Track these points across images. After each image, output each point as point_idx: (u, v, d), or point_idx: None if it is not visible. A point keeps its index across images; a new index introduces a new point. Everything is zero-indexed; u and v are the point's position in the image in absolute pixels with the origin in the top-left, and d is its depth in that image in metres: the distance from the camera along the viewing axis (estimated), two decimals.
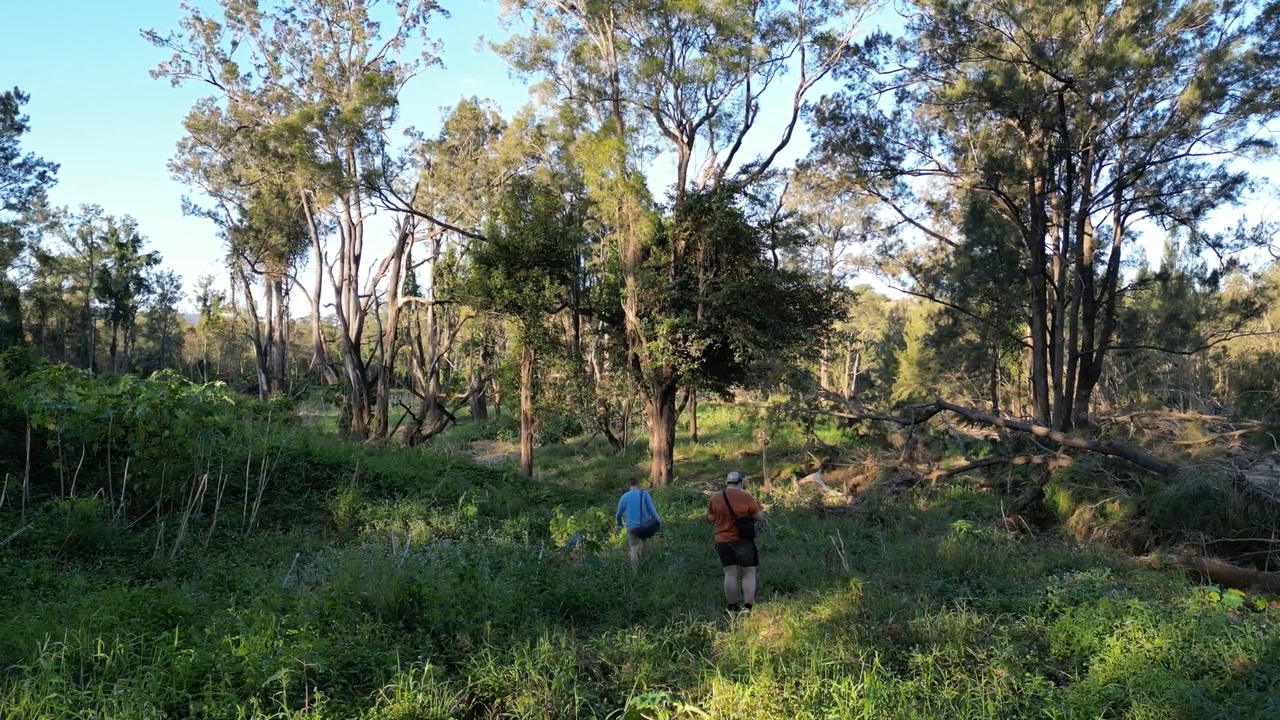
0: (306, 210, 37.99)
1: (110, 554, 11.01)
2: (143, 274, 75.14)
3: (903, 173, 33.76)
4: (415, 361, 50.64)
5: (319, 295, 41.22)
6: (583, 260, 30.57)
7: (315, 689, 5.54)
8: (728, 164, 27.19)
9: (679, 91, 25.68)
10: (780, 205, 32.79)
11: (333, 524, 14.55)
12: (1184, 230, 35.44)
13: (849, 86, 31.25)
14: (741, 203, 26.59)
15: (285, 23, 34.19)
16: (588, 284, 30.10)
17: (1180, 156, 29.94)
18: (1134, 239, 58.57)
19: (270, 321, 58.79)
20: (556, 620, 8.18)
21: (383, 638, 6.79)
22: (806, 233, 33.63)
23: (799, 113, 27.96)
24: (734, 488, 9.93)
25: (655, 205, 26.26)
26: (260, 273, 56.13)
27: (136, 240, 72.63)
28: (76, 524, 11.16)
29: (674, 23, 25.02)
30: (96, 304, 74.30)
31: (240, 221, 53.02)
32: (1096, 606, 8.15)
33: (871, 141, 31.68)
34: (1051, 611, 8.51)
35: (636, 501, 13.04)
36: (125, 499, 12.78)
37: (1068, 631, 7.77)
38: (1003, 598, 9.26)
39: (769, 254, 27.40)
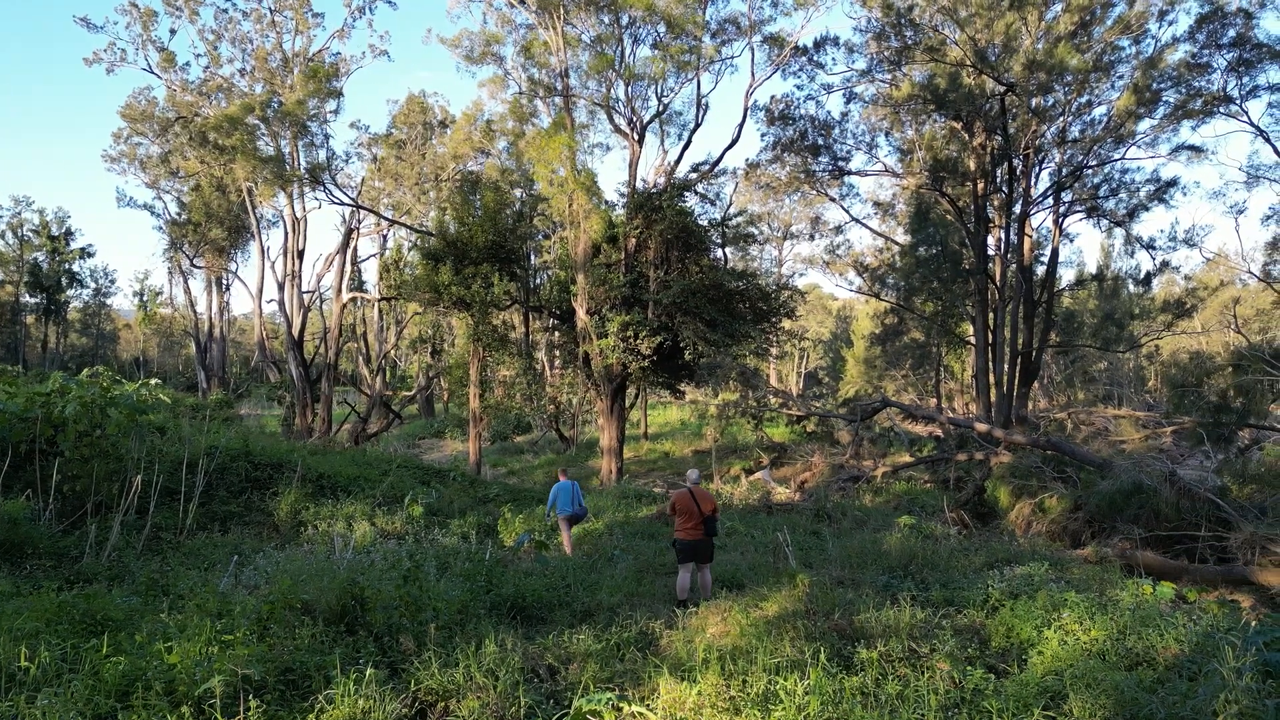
0: (248, 204, 37.07)
1: (39, 558, 10.58)
2: (76, 268, 72.65)
3: (850, 173, 34.20)
4: (361, 359, 49.81)
5: (261, 291, 40.27)
6: (533, 257, 30.36)
7: (251, 696, 5.38)
8: (678, 162, 27.28)
9: (630, 89, 25.65)
10: (730, 204, 33.03)
11: (274, 525, 14.20)
12: (1119, 232, 36.45)
13: (798, 87, 31.55)
14: (692, 201, 26.67)
15: (226, 11, 33.27)
16: (538, 281, 29.90)
17: (1116, 161, 30.82)
18: (1072, 240, 60.15)
19: (210, 318, 57.29)
20: (503, 621, 8.09)
21: (323, 642, 6.63)
22: (756, 232, 33.79)
23: (749, 112, 28.14)
24: (699, 487, 10.19)
25: (606, 203, 26.22)
26: (200, 268, 54.67)
27: (70, 233, 70.22)
28: (3, 527, 10.71)
29: (625, 19, 24.97)
30: (27, 299, 71.62)
31: (179, 215, 51.53)
32: (1035, 600, 8.32)
33: (820, 142, 32.02)
34: (992, 605, 8.68)
35: (568, 491, 13.99)
36: (55, 501, 12.32)
37: (1008, 625, 7.94)
38: (945, 592, 9.42)
39: (719, 252, 27.53)
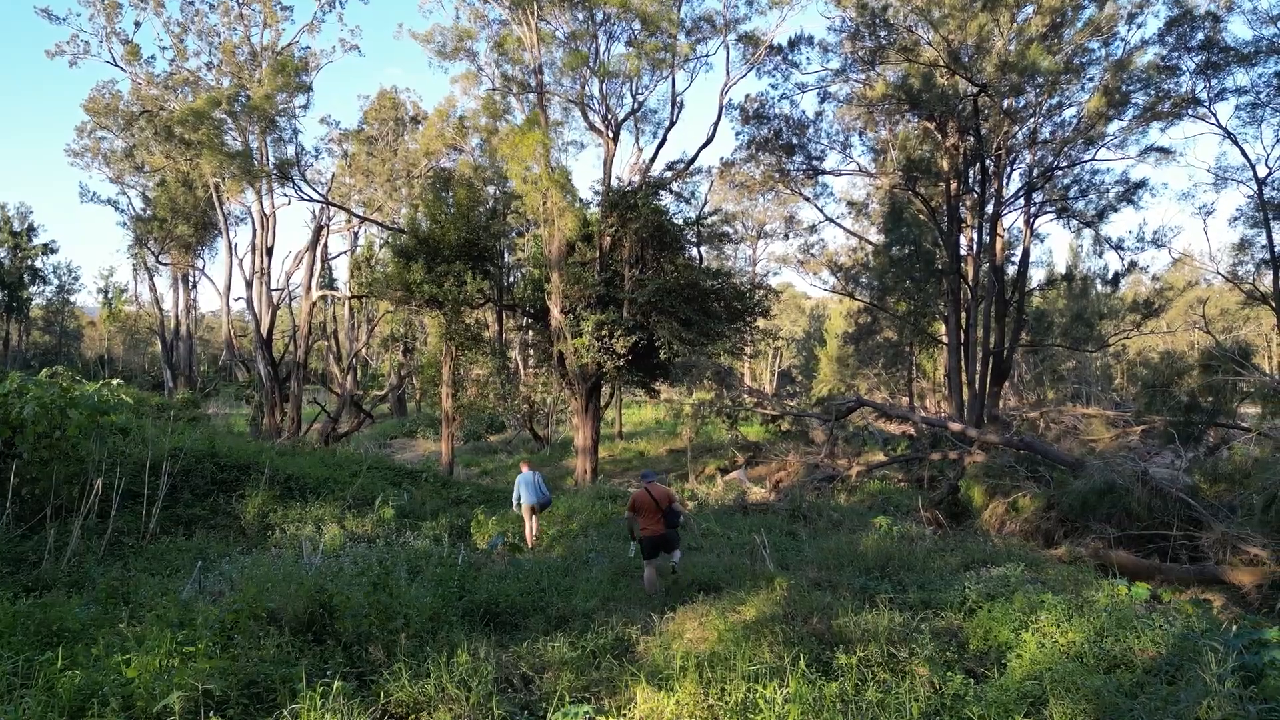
0: (216, 200, 36.41)
1: None
2: (38, 264, 71.19)
3: (824, 173, 34.29)
4: (332, 357, 49.18)
5: (229, 288, 39.64)
6: (507, 255, 30.07)
7: (212, 712, 5.17)
8: (653, 160, 27.11)
9: (604, 86, 25.44)
10: (705, 203, 32.84)
11: (240, 528, 13.88)
12: (1088, 233, 36.86)
13: (773, 86, 31.58)
14: (667, 199, 26.53)
15: (193, 3, 32.62)
16: (512, 279, 29.62)
17: (1086, 162, 31.17)
18: (1042, 241, 60.97)
19: (176, 315, 56.34)
20: (476, 628, 7.91)
21: (290, 652, 6.42)
22: (731, 230, 33.73)
23: (724, 111, 28.04)
24: (654, 484, 10.95)
25: (581, 200, 25.99)
26: (165, 264, 53.70)
27: (32, 229, 68.75)
28: None
29: (599, 16, 24.77)
30: None
31: (144, 210, 50.56)
32: (1012, 601, 8.30)
33: (794, 141, 32.05)
34: (969, 607, 8.64)
35: (532, 481, 15.10)
36: (13, 504, 11.95)
37: (985, 627, 7.90)
38: (923, 594, 9.37)
39: (694, 251, 27.42)
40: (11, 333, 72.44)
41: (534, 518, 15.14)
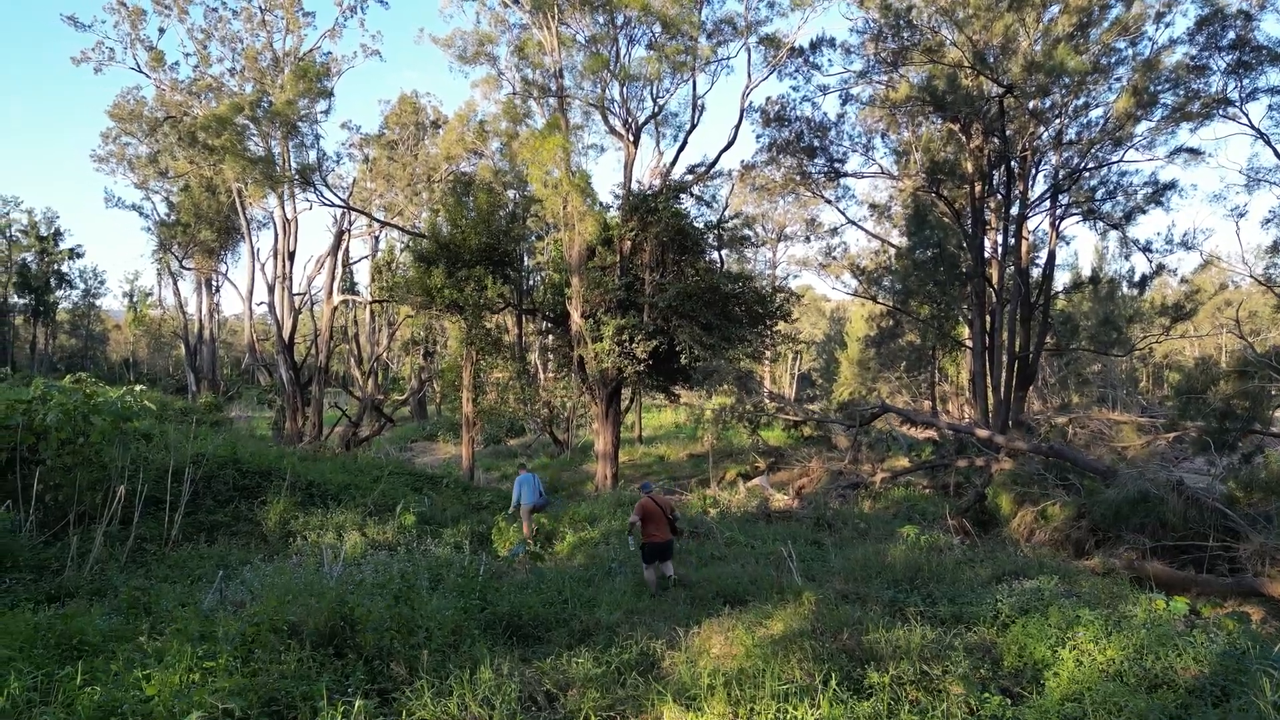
0: (239, 205, 36.67)
1: (18, 571, 10.23)
2: (65, 268, 72.09)
3: (846, 175, 33.96)
4: (354, 361, 49.39)
5: (251, 293, 39.89)
6: (527, 259, 30.02)
7: None
8: (674, 164, 26.95)
9: (625, 89, 25.33)
10: (726, 206, 32.63)
11: (262, 535, 13.85)
12: (1114, 235, 36.26)
13: (794, 88, 31.47)
14: (688, 203, 26.35)
15: (216, 10, 32.88)
16: (532, 283, 29.55)
17: (1114, 163, 30.64)
18: (1068, 243, 60.05)
19: (200, 319, 56.80)
20: (499, 641, 7.78)
21: (311, 667, 6.31)
22: (751, 234, 33.52)
23: (745, 113, 27.86)
24: (656, 494, 11.71)
25: (601, 205, 25.89)
26: (189, 269, 54.18)
27: (58, 233, 69.65)
28: None
29: (620, 19, 24.66)
30: (15, 299, 71.02)
31: (168, 215, 51.05)
32: (1047, 616, 8.06)
33: (816, 144, 31.77)
34: (1003, 621, 8.41)
35: (531, 483, 16.51)
36: (36, 511, 11.97)
37: (1020, 643, 7.67)
38: (954, 608, 9.14)
39: (715, 255, 27.23)
40: (39, 336, 73.34)
41: (532, 517, 16.27)
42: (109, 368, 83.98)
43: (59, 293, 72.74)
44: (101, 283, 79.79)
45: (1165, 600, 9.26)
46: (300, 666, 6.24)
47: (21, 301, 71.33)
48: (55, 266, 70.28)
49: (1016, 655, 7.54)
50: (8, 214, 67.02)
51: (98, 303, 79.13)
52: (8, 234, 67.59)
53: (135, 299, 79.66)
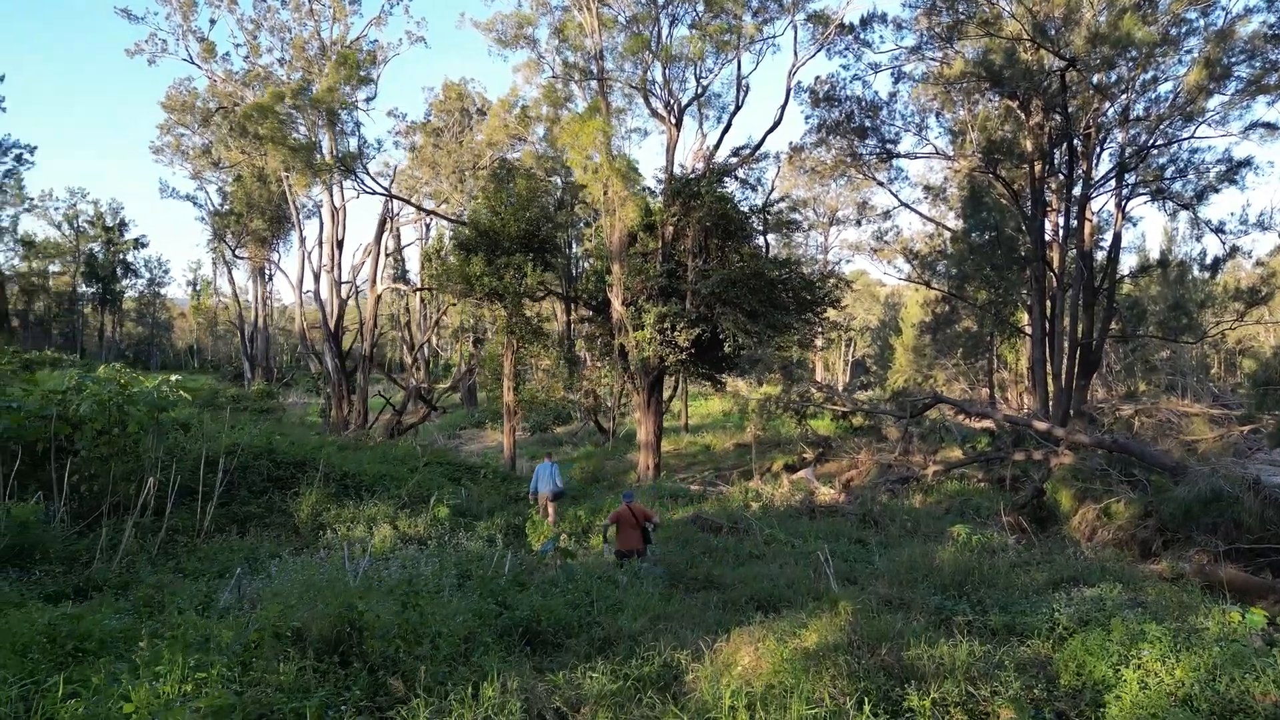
0: (288, 194, 37.00)
1: (49, 563, 10.18)
2: (130, 258, 74.13)
3: (899, 156, 32.85)
4: (405, 348, 49.76)
5: (301, 281, 40.31)
6: (575, 246, 29.66)
7: None
8: (718, 146, 26.29)
9: (667, 71, 24.72)
10: (772, 189, 31.92)
11: (294, 527, 13.73)
12: (1184, 215, 34.60)
13: (844, 67, 30.45)
14: (732, 187, 25.74)
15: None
16: (579, 270, 29.19)
17: (1184, 140, 29.13)
18: (1135, 224, 57.77)
19: (256, 307, 57.83)
20: (514, 649, 7.37)
21: (311, 678, 5.98)
22: (800, 218, 32.72)
23: (791, 93, 27.02)
24: (634, 504, 12.52)
25: (643, 189, 25.36)
26: (243, 258, 55.14)
27: (123, 224, 71.65)
28: (12, 530, 10.32)
29: None
30: (83, 288, 73.33)
31: (221, 205, 51.95)
32: (1109, 630, 7.38)
33: (867, 124, 30.76)
34: (1060, 634, 7.74)
35: (548, 471, 16.91)
36: (70, 502, 11.97)
37: (1078, 660, 7.02)
38: (1006, 617, 8.48)
39: (760, 240, 26.53)
40: (106, 324, 75.56)
41: (551, 505, 16.65)
42: (175, 354, 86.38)
43: (125, 281, 74.86)
44: (166, 271, 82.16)
45: (1241, 612, 8.50)
46: (299, 677, 5.91)
47: (90, 290, 73.61)
48: (121, 256, 72.26)
49: (1074, 674, 6.90)
50: (75, 205, 69.10)
51: (163, 291, 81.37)
52: (75, 225, 69.68)
53: (198, 287, 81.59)
